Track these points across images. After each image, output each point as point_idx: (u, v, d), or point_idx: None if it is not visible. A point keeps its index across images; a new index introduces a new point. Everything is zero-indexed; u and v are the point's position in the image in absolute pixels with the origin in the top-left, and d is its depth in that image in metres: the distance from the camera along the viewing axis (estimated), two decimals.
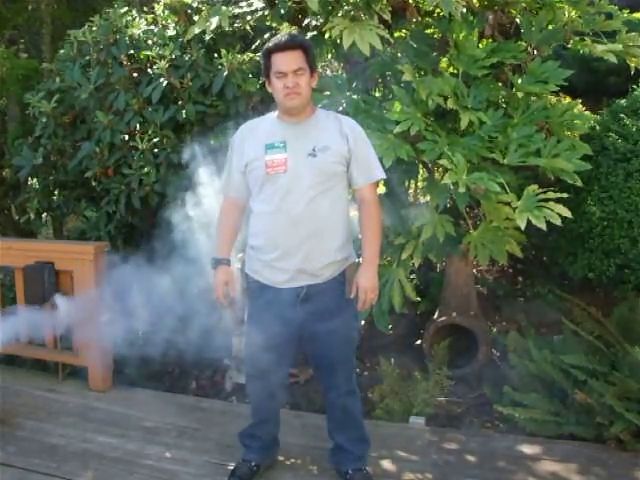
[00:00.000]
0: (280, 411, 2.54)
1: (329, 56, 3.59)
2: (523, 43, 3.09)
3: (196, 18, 3.65)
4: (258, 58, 3.68)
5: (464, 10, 2.98)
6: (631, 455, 2.58)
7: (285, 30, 3.85)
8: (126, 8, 3.91)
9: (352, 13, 2.91)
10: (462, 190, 2.62)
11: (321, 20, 3.14)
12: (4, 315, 3.15)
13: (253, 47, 3.95)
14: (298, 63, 2.09)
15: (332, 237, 2.19)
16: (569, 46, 3.28)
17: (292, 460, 2.59)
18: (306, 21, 3.32)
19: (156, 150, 3.41)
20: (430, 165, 3.29)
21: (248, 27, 3.63)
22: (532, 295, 3.77)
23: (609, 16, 3.15)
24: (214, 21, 3.02)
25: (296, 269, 2.16)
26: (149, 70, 3.58)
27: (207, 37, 3.59)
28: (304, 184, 2.11)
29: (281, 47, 2.09)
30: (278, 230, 2.15)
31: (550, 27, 3.14)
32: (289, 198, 2.12)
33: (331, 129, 2.18)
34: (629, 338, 2.94)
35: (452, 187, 2.76)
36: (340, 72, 3.91)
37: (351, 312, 2.27)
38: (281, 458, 2.59)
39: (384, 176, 2.26)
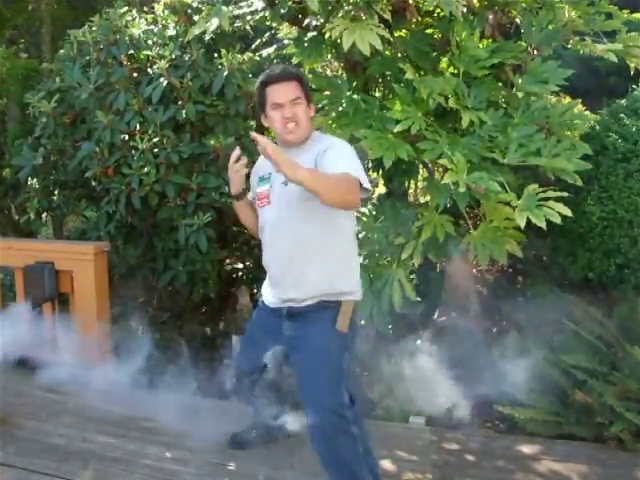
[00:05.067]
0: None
1: (329, 56, 3.59)
2: (523, 43, 3.09)
3: (196, 18, 3.65)
4: (258, 58, 3.70)
5: (464, 10, 2.98)
6: (631, 455, 2.58)
7: (285, 30, 3.86)
8: (126, 8, 3.91)
9: (352, 13, 2.91)
10: (462, 190, 2.62)
11: (321, 20, 3.14)
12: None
13: (253, 47, 3.95)
14: (295, 93, 2.06)
15: (316, 268, 2.10)
16: (569, 46, 3.28)
17: (292, 460, 2.59)
18: (306, 21, 3.32)
19: (156, 150, 3.41)
20: (430, 165, 3.29)
21: (248, 27, 3.63)
22: (532, 295, 3.77)
23: (609, 16, 3.15)
24: (214, 22, 3.02)
25: (281, 299, 2.19)
26: (149, 70, 3.58)
27: (207, 37, 3.59)
28: (281, 215, 2.11)
29: (275, 79, 2.07)
30: (269, 260, 2.22)
31: (550, 27, 3.14)
32: (271, 229, 2.16)
33: (309, 154, 2.05)
34: (629, 338, 2.94)
35: (452, 187, 2.76)
36: (340, 72, 3.90)
37: (336, 340, 2.12)
38: (281, 458, 2.59)
39: (350, 171, 1.95)
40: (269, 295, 2.28)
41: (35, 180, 3.98)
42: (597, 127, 3.34)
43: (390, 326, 3.32)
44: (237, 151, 2.14)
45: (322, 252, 2.11)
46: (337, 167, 1.95)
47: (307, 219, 2.07)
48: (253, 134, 1.82)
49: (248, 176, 2.28)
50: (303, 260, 2.10)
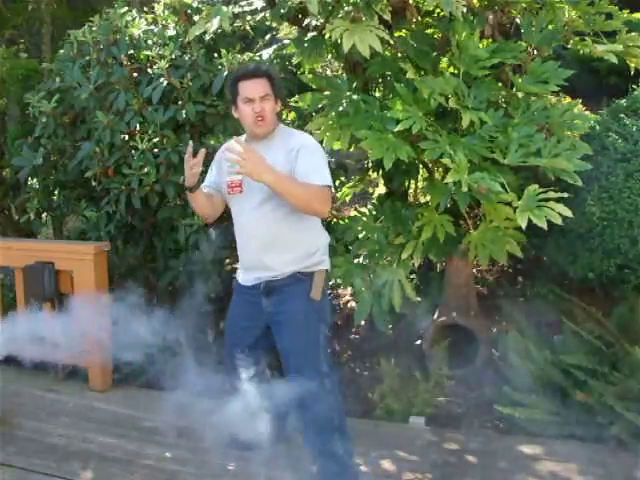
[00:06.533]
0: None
1: (329, 56, 3.59)
2: (523, 43, 3.09)
3: (196, 18, 3.65)
4: (258, 58, 3.70)
5: (464, 10, 2.98)
6: (631, 455, 2.57)
7: (285, 30, 3.86)
8: (126, 8, 3.91)
9: (352, 14, 2.91)
10: (465, 189, 2.62)
11: (321, 20, 3.14)
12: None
13: (255, 49, 3.95)
14: (265, 89, 2.23)
15: (288, 251, 2.27)
16: (569, 46, 3.28)
17: (292, 460, 2.59)
18: (306, 21, 3.32)
19: (156, 150, 3.41)
20: (430, 165, 3.29)
21: (248, 27, 3.62)
22: (532, 295, 3.77)
23: (609, 16, 3.15)
24: (215, 23, 3.02)
25: (255, 277, 2.34)
26: (149, 70, 3.57)
27: (207, 37, 3.59)
28: (255, 201, 2.25)
29: (248, 75, 2.25)
30: (242, 245, 2.37)
31: (550, 27, 3.14)
32: (245, 216, 2.30)
33: (281, 148, 2.24)
34: (629, 338, 2.94)
35: (453, 187, 2.77)
36: (340, 72, 3.90)
37: (314, 311, 2.31)
38: (282, 458, 2.59)
39: (325, 183, 2.18)
40: (244, 276, 2.40)
41: (35, 180, 3.98)
42: (597, 127, 3.34)
43: (390, 326, 3.32)
44: (190, 147, 2.24)
45: (296, 235, 2.28)
46: (311, 177, 2.16)
47: (280, 206, 2.21)
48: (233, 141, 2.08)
49: (205, 170, 2.41)
50: (278, 245, 2.26)
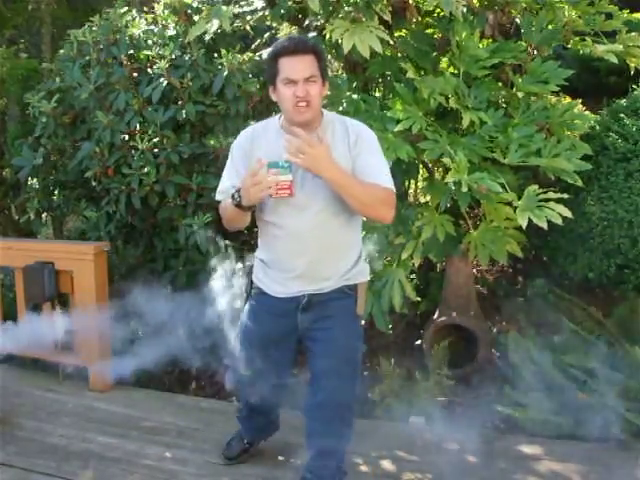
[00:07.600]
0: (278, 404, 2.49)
1: (329, 56, 3.59)
2: (523, 43, 3.09)
3: (196, 18, 3.65)
4: (258, 58, 3.69)
5: (464, 10, 2.99)
6: (631, 455, 2.57)
7: (285, 30, 3.86)
8: (126, 8, 3.91)
9: (352, 14, 2.91)
10: (465, 189, 2.62)
11: (321, 20, 3.14)
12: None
13: (253, 47, 3.95)
14: (310, 70, 1.86)
15: (339, 261, 2.04)
16: (569, 46, 3.29)
17: (292, 460, 2.59)
18: (306, 21, 3.32)
19: (156, 150, 3.41)
20: (430, 165, 3.29)
21: (248, 27, 3.62)
22: (532, 295, 3.77)
23: (609, 16, 3.15)
24: (215, 23, 3.02)
25: (297, 289, 2.05)
26: (149, 70, 3.57)
27: (207, 37, 3.59)
28: (312, 207, 1.95)
29: (291, 51, 1.86)
30: (283, 252, 2.04)
31: (550, 27, 3.14)
32: (295, 222, 1.98)
33: (339, 143, 1.94)
34: (629, 338, 2.94)
35: (454, 187, 2.77)
36: (340, 72, 3.90)
37: (356, 330, 2.13)
38: (282, 458, 2.59)
39: (391, 186, 1.94)
40: (277, 287, 2.08)
41: (35, 180, 3.97)
42: (597, 127, 3.34)
43: (390, 326, 3.32)
44: (261, 162, 1.84)
45: (352, 241, 2.08)
46: (376, 178, 1.91)
47: (341, 212, 1.97)
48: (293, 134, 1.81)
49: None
50: (336, 254, 2.02)
